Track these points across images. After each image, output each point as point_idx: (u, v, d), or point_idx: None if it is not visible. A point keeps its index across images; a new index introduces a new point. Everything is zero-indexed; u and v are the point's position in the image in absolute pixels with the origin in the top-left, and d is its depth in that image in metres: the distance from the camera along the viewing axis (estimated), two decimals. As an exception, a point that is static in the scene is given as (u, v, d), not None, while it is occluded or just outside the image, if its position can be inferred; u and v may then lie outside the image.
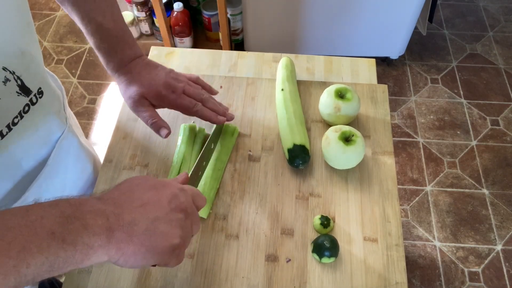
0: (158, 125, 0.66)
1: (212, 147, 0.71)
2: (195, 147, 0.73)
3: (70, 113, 0.74)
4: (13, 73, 0.50)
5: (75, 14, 0.64)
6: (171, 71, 0.71)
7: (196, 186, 0.64)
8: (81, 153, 0.73)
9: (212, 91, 0.75)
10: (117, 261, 0.42)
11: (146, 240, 0.43)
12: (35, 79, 0.56)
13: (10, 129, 0.53)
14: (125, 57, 0.67)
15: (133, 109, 0.68)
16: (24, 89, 0.53)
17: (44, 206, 0.39)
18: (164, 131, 0.66)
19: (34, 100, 0.56)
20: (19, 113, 0.54)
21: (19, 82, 0.51)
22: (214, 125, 0.74)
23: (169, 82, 0.68)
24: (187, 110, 0.68)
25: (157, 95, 0.67)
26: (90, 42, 0.67)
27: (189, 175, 0.58)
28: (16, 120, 0.53)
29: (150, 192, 0.46)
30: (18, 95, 0.52)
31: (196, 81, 0.73)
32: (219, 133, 0.74)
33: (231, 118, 0.73)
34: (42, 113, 0.59)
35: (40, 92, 0.57)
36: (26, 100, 0.54)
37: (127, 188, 0.46)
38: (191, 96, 0.69)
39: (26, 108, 0.54)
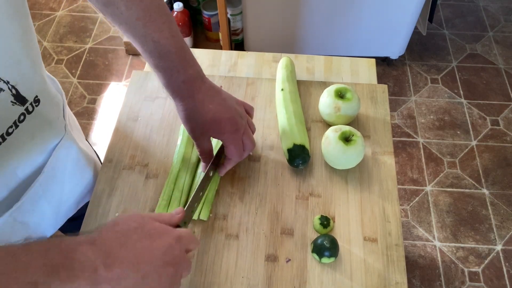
0: (206, 161, 0.66)
1: (211, 174, 0.67)
2: (195, 147, 0.73)
3: (70, 116, 0.71)
4: (7, 82, 0.48)
5: (130, 33, 0.59)
6: (233, 98, 0.65)
7: (192, 217, 0.62)
8: (80, 160, 0.70)
9: (251, 128, 0.69)
10: None
11: None
12: (32, 87, 0.53)
13: (4, 139, 0.51)
14: (187, 78, 0.60)
15: (191, 136, 0.65)
16: (19, 98, 0.51)
17: (32, 251, 0.38)
18: (204, 168, 0.67)
19: (30, 108, 0.53)
20: (14, 122, 0.52)
21: (13, 91, 0.49)
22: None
23: (234, 118, 0.62)
24: (230, 154, 0.65)
25: (219, 131, 0.62)
26: (148, 63, 0.61)
27: (185, 209, 0.56)
28: (10, 130, 0.51)
29: (146, 241, 0.45)
30: (13, 105, 0.50)
31: (249, 111, 0.69)
32: (218, 160, 0.70)
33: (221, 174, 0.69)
34: (38, 122, 0.57)
35: (37, 100, 0.54)
36: (21, 109, 0.52)
37: (123, 232, 0.45)
38: (244, 144, 0.65)
39: (22, 117, 0.52)
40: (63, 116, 0.65)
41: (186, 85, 0.60)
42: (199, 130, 0.63)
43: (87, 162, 0.72)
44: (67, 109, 0.69)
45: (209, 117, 0.61)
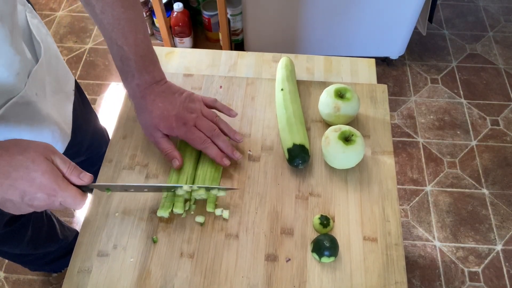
0: (171, 157, 0.69)
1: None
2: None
3: (45, 81, 0.70)
4: None
5: (102, 33, 0.66)
6: (188, 97, 0.70)
7: (93, 190, 0.61)
8: (37, 120, 0.69)
9: (230, 113, 0.73)
10: None
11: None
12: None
13: None
14: (141, 82, 0.67)
15: (147, 136, 0.71)
16: None
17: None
18: (175, 163, 0.69)
19: None
20: None
21: None
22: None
23: (181, 113, 0.68)
24: (194, 145, 0.69)
25: (168, 126, 0.68)
26: (114, 62, 0.68)
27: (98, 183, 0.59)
28: None
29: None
30: None
31: (213, 104, 0.72)
32: None
33: (237, 158, 0.71)
34: None
35: None
36: None
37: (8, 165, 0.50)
38: (202, 130, 0.68)
39: None
40: (27, 76, 0.65)
41: (139, 88, 0.68)
42: (150, 126, 0.68)
43: (47, 124, 0.71)
44: (42, 73, 0.69)
45: (157, 113, 0.67)
